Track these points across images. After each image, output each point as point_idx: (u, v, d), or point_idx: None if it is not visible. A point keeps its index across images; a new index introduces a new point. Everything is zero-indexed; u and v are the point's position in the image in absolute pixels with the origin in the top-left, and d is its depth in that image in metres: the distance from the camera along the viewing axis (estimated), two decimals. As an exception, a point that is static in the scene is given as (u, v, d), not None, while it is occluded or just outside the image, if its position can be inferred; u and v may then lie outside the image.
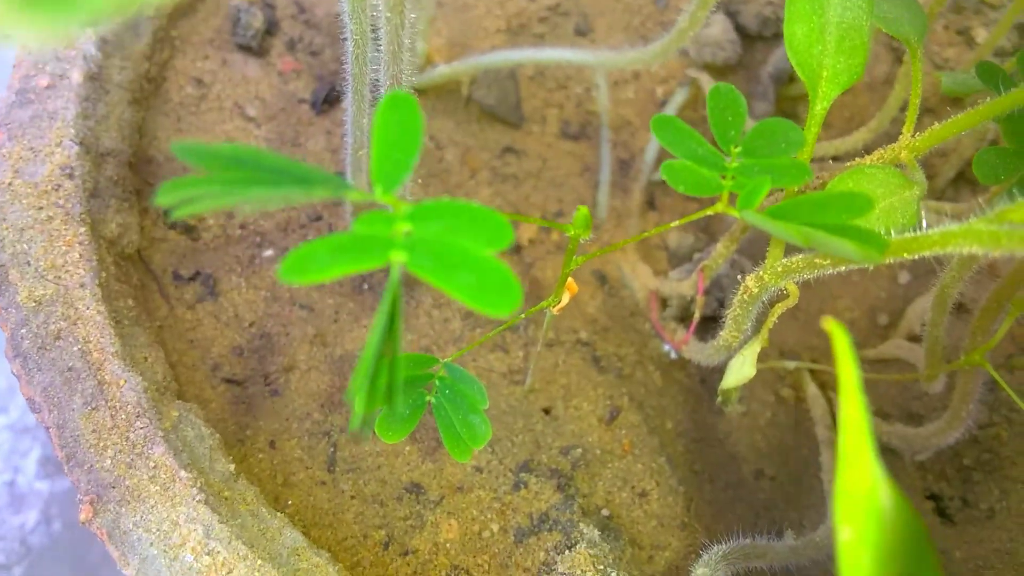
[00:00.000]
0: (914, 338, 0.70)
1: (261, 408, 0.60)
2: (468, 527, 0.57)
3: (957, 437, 0.61)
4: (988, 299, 0.54)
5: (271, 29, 0.76)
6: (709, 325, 0.67)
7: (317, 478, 0.58)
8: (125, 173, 0.64)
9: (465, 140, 0.75)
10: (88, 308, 0.53)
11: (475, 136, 0.76)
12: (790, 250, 0.45)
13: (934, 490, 0.67)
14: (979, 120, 0.44)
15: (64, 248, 0.55)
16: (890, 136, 0.55)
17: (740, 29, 0.81)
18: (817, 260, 0.42)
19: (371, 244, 0.27)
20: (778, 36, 0.81)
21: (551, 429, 0.63)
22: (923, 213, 0.45)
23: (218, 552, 0.46)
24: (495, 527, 0.57)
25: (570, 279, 0.46)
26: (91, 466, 0.48)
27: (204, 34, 0.74)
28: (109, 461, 0.48)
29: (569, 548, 0.55)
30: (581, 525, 0.57)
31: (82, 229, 0.56)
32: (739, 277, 0.49)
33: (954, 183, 0.77)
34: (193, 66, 0.72)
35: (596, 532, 0.56)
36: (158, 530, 0.46)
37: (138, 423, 0.50)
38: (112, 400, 0.50)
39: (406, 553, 0.56)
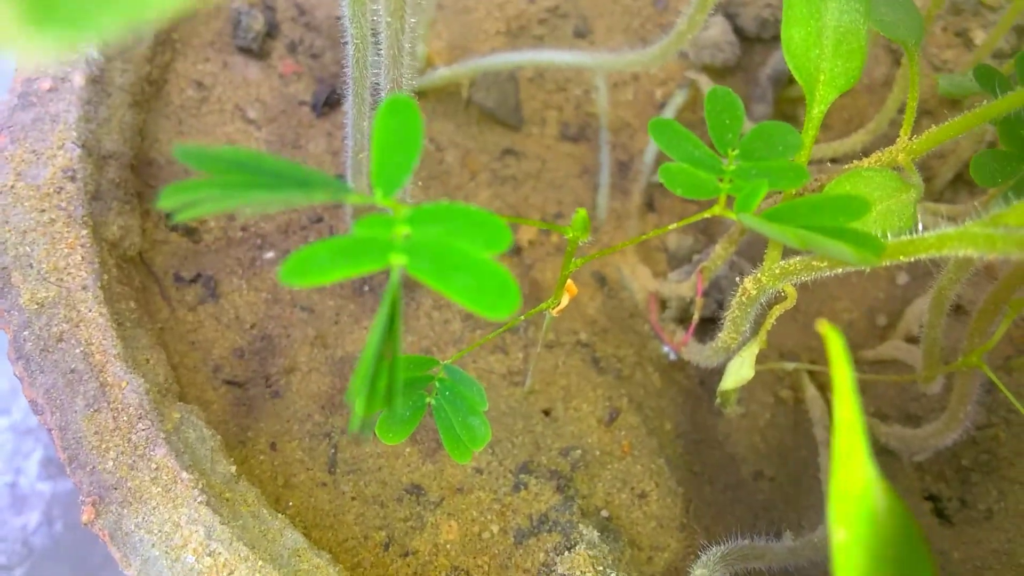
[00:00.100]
0: (912, 339, 0.70)
1: (262, 410, 0.60)
2: (468, 528, 0.57)
3: (955, 438, 0.61)
4: (986, 301, 0.54)
5: (272, 32, 0.76)
6: (708, 327, 0.67)
7: (318, 479, 0.58)
8: (127, 176, 0.64)
9: (465, 142, 0.76)
10: (90, 310, 0.53)
11: (475, 138, 0.76)
12: (788, 252, 0.45)
13: (932, 491, 0.67)
14: (977, 122, 0.44)
15: (66, 250, 0.55)
16: (888, 138, 0.55)
17: (739, 31, 0.81)
18: (814, 262, 0.42)
19: (371, 247, 0.28)
20: (777, 38, 0.81)
21: (551, 430, 0.63)
22: (920, 216, 0.45)
23: (219, 553, 0.46)
24: (495, 528, 0.58)
25: (569, 281, 0.46)
26: (93, 468, 0.48)
27: (205, 37, 0.74)
28: (111, 463, 0.48)
29: (568, 549, 0.56)
30: (580, 526, 0.57)
31: (84, 231, 0.56)
32: (738, 279, 0.49)
33: (952, 185, 0.77)
34: (194, 68, 0.73)
35: (595, 533, 0.56)
36: (160, 531, 0.46)
37: (140, 425, 0.50)
38: (114, 402, 0.50)
39: (406, 554, 0.56)
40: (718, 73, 0.80)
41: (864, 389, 0.71)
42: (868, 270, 0.66)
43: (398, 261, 0.27)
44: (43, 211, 0.56)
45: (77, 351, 0.52)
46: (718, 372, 0.55)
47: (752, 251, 0.72)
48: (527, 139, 0.78)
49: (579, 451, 0.62)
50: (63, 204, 0.56)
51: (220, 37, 0.75)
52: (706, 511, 0.64)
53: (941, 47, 0.84)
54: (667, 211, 0.77)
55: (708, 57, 0.79)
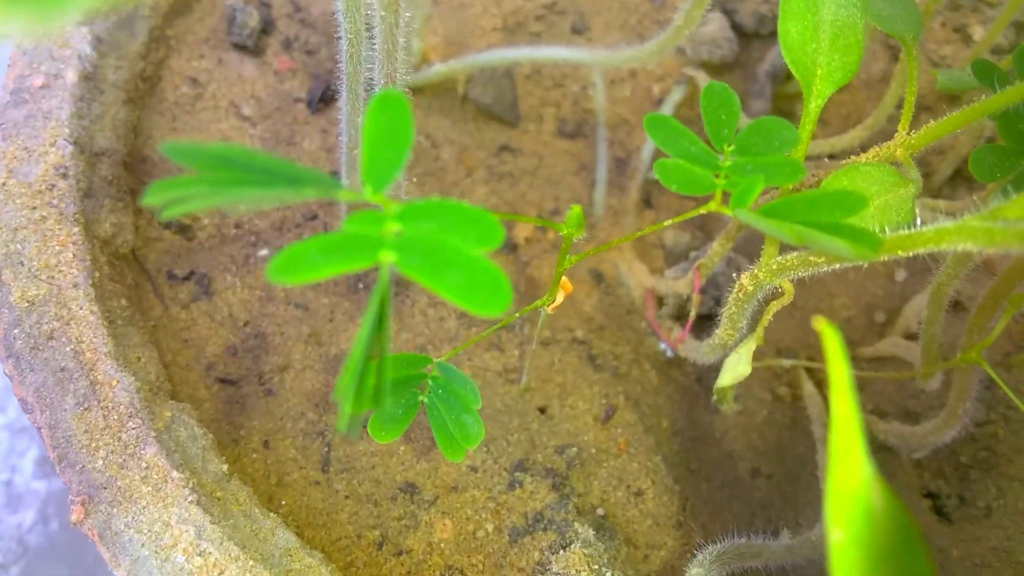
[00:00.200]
0: (911, 336, 0.69)
1: (255, 408, 0.60)
2: (463, 527, 0.57)
3: (954, 435, 0.61)
4: (985, 297, 0.54)
5: (267, 28, 0.75)
6: (705, 323, 0.67)
7: (311, 478, 0.58)
8: (120, 173, 0.63)
9: (461, 139, 0.75)
10: (81, 308, 0.53)
11: (471, 135, 0.76)
12: (785, 248, 0.45)
13: (931, 488, 0.66)
14: (975, 117, 0.43)
15: (58, 248, 0.55)
16: (886, 134, 0.55)
17: (737, 27, 0.81)
18: (811, 258, 0.42)
19: (360, 244, 0.27)
20: (775, 34, 0.81)
21: (546, 428, 0.62)
22: (918, 211, 0.45)
23: (210, 553, 0.46)
24: (490, 527, 0.57)
25: (565, 278, 0.45)
26: (83, 467, 0.48)
27: (200, 33, 0.74)
28: (101, 462, 0.48)
29: (564, 548, 0.55)
30: (576, 524, 0.57)
31: (76, 229, 0.56)
32: (735, 275, 0.49)
33: (951, 181, 0.77)
34: (188, 65, 0.72)
35: (591, 531, 0.56)
36: (149, 531, 0.46)
37: (130, 423, 0.49)
38: (104, 400, 0.50)
39: (400, 553, 0.56)
40: (716, 69, 0.80)
41: (862, 386, 0.71)
42: (866, 266, 0.66)
43: (388, 258, 0.27)
44: (34, 208, 0.55)
45: (68, 349, 0.51)
46: (715, 369, 0.54)
47: (749, 248, 0.71)
48: (524, 136, 0.77)
49: (575, 449, 0.61)
50: (55, 201, 0.56)
51: (215, 34, 0.74)
52: (703, 509, 0.64)
53: (939, 43, 0.83)
54: (664, 208, 0.77)
55: (706, 53, 0.79)
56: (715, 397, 0.57)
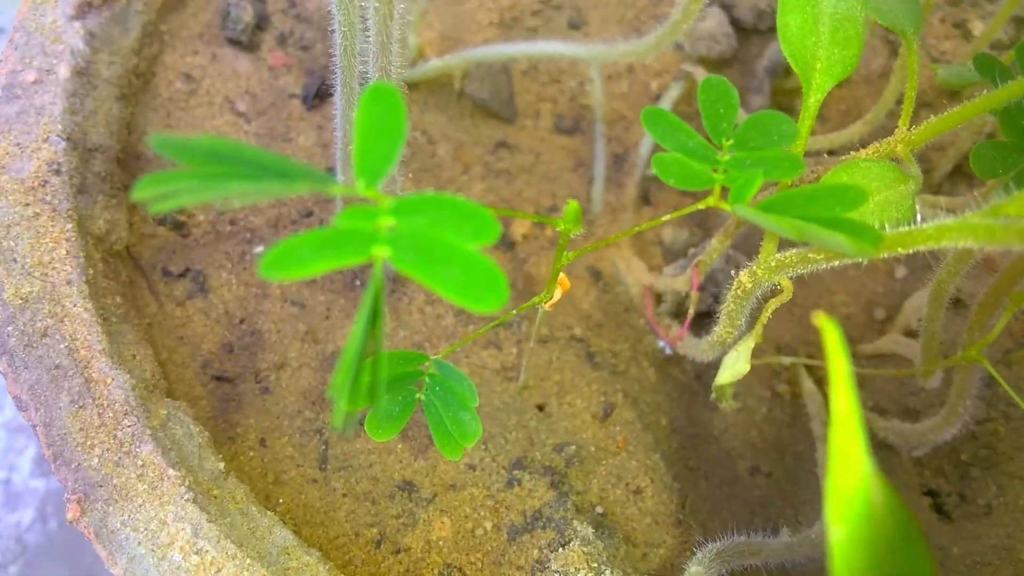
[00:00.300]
0: (911, 333, 0.69)
1: (251, 406, 0.60)
2: (461, 525, 0.57)
3: (954, 433, 0.60)
4: (985, 294, 0.54)
5: (261, 23, 0.75)
6: (704, 321, 0.66)
7: (308, 476, 0.57)
8: (113, 169, 0.63)
9: (458, 135, 0.75)
10: (75, 305, 0.52)
11: (468, 131, 0.75)
12: (784, 245, 0.45)
13: (931, 486, 0.66)
14: (976, 113, 0.43)
15: (51, 245, 0.54)
16: (886, 130, 0.54)
17: (735, 22, 0.81)
18: (811, 254, 0.42)
19: (353, 239, 0.27)
20: (773, 29, 0.80)
21: (545, 426, 0.62)
22: (919, 207, 0.45)
23: (206, 551, 0.46)
24: (488, 525, 0.57)
25: (562, 275, 0.45)
26: (78, 465, 0.48)
27: (194, 29, 0.73)
28: (96, 460, 0.48)
29: (563, 546, 0.55)
30: (575, 522, 0.56)
31: (69, 225, 0.55)
32: (733, 273, 0.49)
33: (951, 177, 0.77)
34: (182, 61, 0.72)
35: (590, 529, 0.56)
36: (146, 529, 0.46)
37: (126, 421, 0.49)
38: (99, 398, 0.50)
39: (398, 551, 0.55)
40: (714, 65, 0.80)
41: (862, 383, 0.70)
42: (866, 263, 0.66)
43: (381, 253, 0.26)
44: (27, 205, 0.55)
45: (62, 347, 0.51)
46: (714, 367, 0.54)
47: (748, 245, 0.71)
48: (521, 132, 0.77)
49: (573, 447, 0.61)
50: (48, 198, 0.56)
51: (209, 29, 0.74)
52: (702, 507, 0.64)
53: (939, 38, 0.83)
54: (662, 204, 0.76)
55: (704, 49, 0.78)
56: (714, 395, 0.57)
